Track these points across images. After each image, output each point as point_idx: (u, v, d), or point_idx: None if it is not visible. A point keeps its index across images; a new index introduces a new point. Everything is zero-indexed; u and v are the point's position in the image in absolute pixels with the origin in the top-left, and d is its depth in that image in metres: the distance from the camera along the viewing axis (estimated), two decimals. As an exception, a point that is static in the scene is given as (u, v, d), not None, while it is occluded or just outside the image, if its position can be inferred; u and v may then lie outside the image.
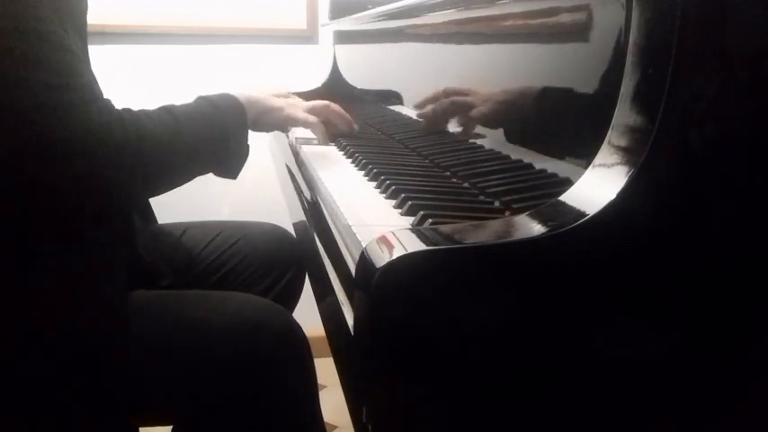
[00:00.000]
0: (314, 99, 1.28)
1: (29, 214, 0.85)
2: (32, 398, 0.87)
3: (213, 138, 0.99)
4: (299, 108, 1.20)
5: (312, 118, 1.21)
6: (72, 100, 0.80)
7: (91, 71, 0.94)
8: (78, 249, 0.88)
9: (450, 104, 1.06)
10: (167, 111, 0.96)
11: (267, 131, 1.23)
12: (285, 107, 1.17)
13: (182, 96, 1.02)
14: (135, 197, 0.96)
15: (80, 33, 0.93)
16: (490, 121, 0.92)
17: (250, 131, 1.11)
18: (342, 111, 1.32)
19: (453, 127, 1.06)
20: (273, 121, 1.16)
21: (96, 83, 0.90)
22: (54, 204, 0.85)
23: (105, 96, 0.90)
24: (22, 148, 0.79)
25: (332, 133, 1.32)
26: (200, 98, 1.03)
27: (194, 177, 1.01)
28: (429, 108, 1.15)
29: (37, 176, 0.81)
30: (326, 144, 1.30)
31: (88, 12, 0.96)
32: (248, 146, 1.07)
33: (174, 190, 1.04)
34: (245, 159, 1.06)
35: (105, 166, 0.83)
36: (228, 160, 1.03)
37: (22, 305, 0.86)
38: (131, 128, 0.86)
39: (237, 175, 1.07)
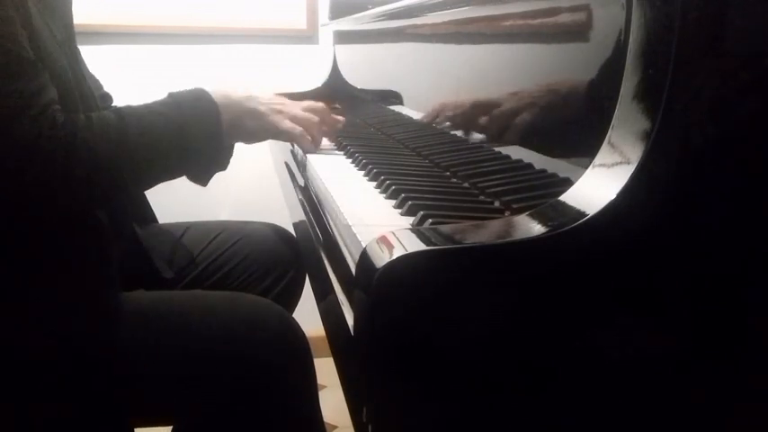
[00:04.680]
0: (314, 99, 1.25)
1: (5, 216, 0.85)
2: (32, 399, 0.87)
3: (167, 140, 0.92)
4: (284, 115, 1.10)
5: (297, 129, 1.12)
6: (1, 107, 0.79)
7: (77, 67, 0.93)
8: (63, 251, 0.88)
9: (455, 105, 1.06)
10: (116, 111, 0.92)
11: (248, 141, 1.10)
12: (268, 113, 1.07)
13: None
14: (82, 205, 0.89)
15: (65, 28, 0.93)
16: (490, 121, 0.92)
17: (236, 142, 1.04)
18: (331, 119, 1.22)
19: (453, 127, 1.06)
20: (254, 128, 1.07)
21: (83, 79, 0.88)
22: (11, 212, 0.85)
23: (110, 93, 0.88)
24: None
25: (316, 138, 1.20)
26: (169, 94, 0.97)
27: (157, 180, 0.95)
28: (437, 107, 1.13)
29: None
30: (312, 152, 1.20)
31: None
32: (225, 149, 0.99)
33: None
34: (219, 163, 0.98)
35: (37, 178, 0.82)
36: (187, 164, 0.95)
37: (13, 308, 0.86)
38: (64, 137, 0.83)
39: (206, 182, 1.00)
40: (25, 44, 0.83)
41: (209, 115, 0.97)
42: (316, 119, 1.17)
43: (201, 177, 1.00)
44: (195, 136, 0.94)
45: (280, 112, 1.10)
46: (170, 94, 0.97)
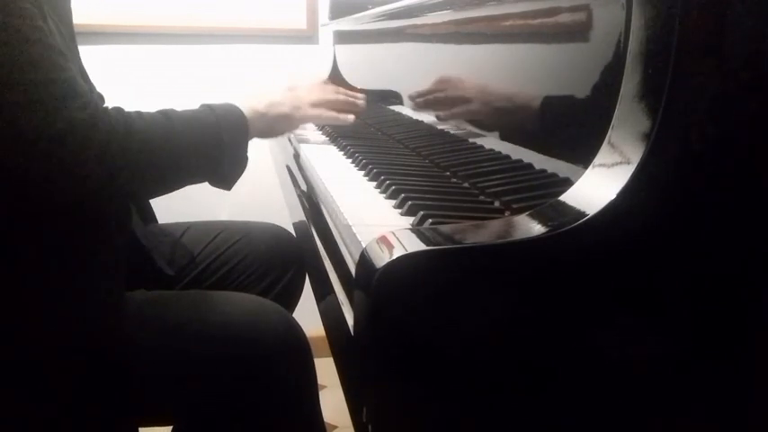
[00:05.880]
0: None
1: (15, 212, 0.84)
2: (33, 399, 0.87)
3: (206, 145, 0.97)
4: (305, 105, 1.19)
5: (323, 113, 1.22)
6: (53, 94, 0.79)
7: (79, 66, 0.94)
8: (71, 249, 0.88)
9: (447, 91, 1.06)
10: (163, 112, 0.94)
11: (281, 135, 1.25)
12: (291, 112, 1.16)
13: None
14: (121, 196, 0.92)
15: (66, 26, 0.93)
16: (490, 121, 0.92)
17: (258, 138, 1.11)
18: (346, 95, 1.30)
19: (453, 126, 1.06)
20: (284, 128, 1.18)
21: (83, 79, 0.89)
22: (40, 202, 0.84)
23: (102, 93, 0.89)
24: (4, 146, 0.78)
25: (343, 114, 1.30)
26: (203, 105, 1.02)
27: (185, 184, 0.98)
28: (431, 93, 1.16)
29: (21, 174, 0.80)
30: (347, 122, 1.28)
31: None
32: (246, 158, 1.04)
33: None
34: (241, 171, 1.04)
35: (87, 163, 0.81)
36: (221, 169, 1.00)
37: (18, 307, 0.86)
38: (118, 125, 0.84)
39: (231, 186, 1.04)
40: (50, 35, 0.83)
41: (240, 126, 1.03)
42: (333, 98, 1.27)
43: (227, 182, 1.04)
44: (229, 144, 1.00)
45: (298, 107, 1.18)
46: (205, 105, 1.02)
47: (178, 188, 1.00)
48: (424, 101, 1.19)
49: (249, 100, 1.09)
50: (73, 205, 0.86)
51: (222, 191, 1.05)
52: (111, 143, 0.83)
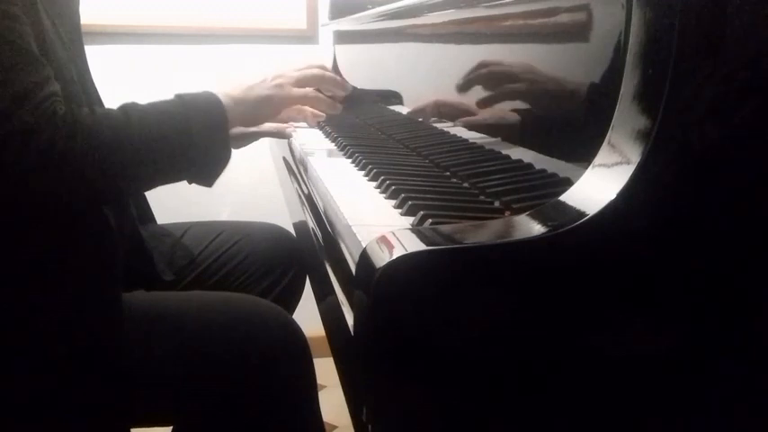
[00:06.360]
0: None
1: (6, 211, 0.84)
2: (32, 400, 0.87)
3: (171, 137, 0.91)
4: (287, 84, 1.10)
5: (309, 92, 1.13)
6: (3, 96, 0.78)
7: (81, 67, 0.93)
8: (67, 248, 0.87)
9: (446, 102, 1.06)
10: (122, 107, 0.90)
11: (269, 121, 1.14)
12: (273, 92, 1.08)
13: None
14: (79, 199, 0.87)
15: (68, 27, 0.93)
16: (490, 121, 0.92)
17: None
18: (333, 76, 1.23)
19: (453, 126, 1.06)
20: (268, 111, 1.08)
21: (84, 79, 0.88)
22: (13, 209, 0.84)
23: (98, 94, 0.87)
24: None
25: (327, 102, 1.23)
26: (175, 95, 0.96)
27: (156, 182, 0.93)
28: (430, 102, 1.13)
29: None
30: (335, 110, 1.21)
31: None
32: (228, 150, 0.97)
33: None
34: (222, 165, 0.97)
35: (28, 168, 0.80)
36: (192, 163, 0.94)
37: (15, 307, 0.86)
38: (64, 127, 0.81)
39: (212, 183, 0.99)
40: (30, 40, 0.83)
41: (214, 114, 0.96)
42: (319, 72, 1.18)
43: (206, 178, 0.98)
44: (200, 135, 0.93)
45: (280, 85, 1.10)
46: (177, 95, 0.96)
47: (148, 187, 0.95)
48: (425, 108, 1.19)
49: (227, 88, 1.03)
50: (30, 210, 0.85)
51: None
52: (54, 146, 0.80)
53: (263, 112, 1.08)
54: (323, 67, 1.22)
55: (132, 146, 0.87)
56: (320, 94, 1.17)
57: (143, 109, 0.92)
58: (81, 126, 0.83)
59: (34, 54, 0.83)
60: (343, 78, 1.27)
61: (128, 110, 0.90)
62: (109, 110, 0.90)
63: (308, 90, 1.14)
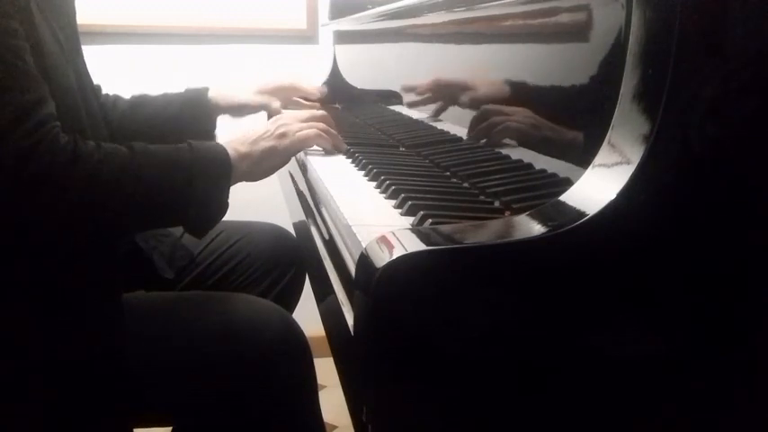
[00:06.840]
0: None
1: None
2: (33, 400, 0.87)
3: (173, 192, 0.90)
4: (291, 132, 1.07)
5: (311, 131, 1.11)
6: (2, 117, 0.78)
7: (80, 68, 0.92)
8: (67, 251, 0.87)
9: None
10: (129, 146, 0.88)
11: (275, 171, 1.08)
12: (277, 144, 1.04)
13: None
14: (66, 229, 0.86)
15: (66, 30, 0.93)
16: (490, 120, 0.91)
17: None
18: (335, 134, 1.20)
19: (453, 126, 1.06)
20: (273, 162, 1.04)
21: (84, 80, 0.87)
22: (13, 210, 0.83)
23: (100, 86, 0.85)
24: None
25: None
26: (186, 142, 0.94)
27: (146, 226, 0.93)
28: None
29: None
30: (341, 150, 1.19)
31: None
32: (226, 203, 0.94)
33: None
34: (218, 217, 0.94)
35: (22, 192, 0.79)
36: (186, 218, 0.92)
37: (16, 310, 0.86)
38: (64, 155, 0.80)
39: (202, 235, 0.97)
40: (27, 57, 0.82)
41: (220, 173, 0.94)
42: (320, 113, 1.19)
43: (198, 231, 0.96)
44: (201, 191, 0.91)
45: (284, 134, 1.06)
46: (188, 143, 0.94)
47: (137, 231, 0.95)
48: (423, 99, 1.19)
49: (233, 142, 1.00)
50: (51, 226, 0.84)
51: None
52: (49, 176, 0.79)
53: (267, 164, 1.04)
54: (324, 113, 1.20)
55: (131, 194, 0.87)
56: (323, 134, 1.14)
57: (152, 153, 0.90)
58: (83, 163, 0.82)
59: (29, 72, 0.82)
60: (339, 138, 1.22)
61: (135, 153, 0.88)
62: (115, 149, 0.88)
63: (310, 132, 1.11)
